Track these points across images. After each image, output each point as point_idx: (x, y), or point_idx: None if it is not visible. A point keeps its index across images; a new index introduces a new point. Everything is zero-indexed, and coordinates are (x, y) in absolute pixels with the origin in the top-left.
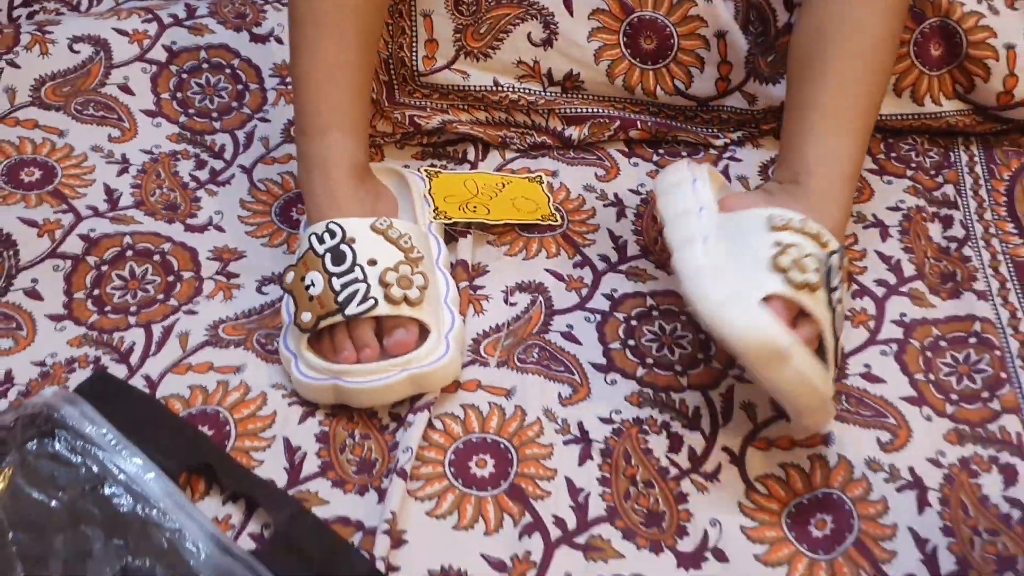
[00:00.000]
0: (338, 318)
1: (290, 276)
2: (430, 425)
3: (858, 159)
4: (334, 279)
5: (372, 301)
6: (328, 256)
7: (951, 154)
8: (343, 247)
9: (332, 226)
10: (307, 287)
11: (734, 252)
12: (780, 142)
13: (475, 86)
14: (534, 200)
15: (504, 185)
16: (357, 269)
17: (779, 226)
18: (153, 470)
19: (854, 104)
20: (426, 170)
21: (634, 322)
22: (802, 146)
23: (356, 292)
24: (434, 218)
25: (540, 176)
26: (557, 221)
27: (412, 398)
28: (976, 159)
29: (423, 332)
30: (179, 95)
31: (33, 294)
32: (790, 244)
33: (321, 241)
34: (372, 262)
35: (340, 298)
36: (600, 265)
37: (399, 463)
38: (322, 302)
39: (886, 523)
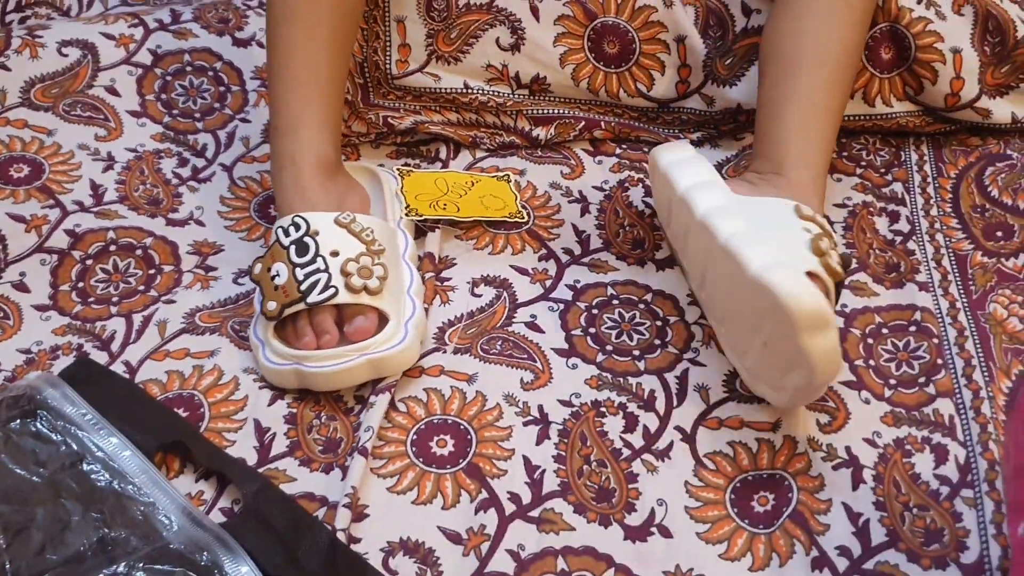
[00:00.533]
0: (300, 306)
1: (258, 267)
2: (394, 407)
3: (830, 153)
4: (298, 269)
5: (333, 289)
6: (293, 248)
7: (902, 153)
8: (307, 239)
9: (297, 219)
10: (273, 277)
11: (768, 229)
12: (756, 135)
13: (446, 88)
14: (502, 198)
15: (473, 184)
16: (320, 260)
17: (806, 215)
18: (129, 448)
19: (829, 101)
20: (399, 169)
21: (595, 311)
22: (783, 140)
23: (318, 281)
24: (406, 215)
25: (508, 175)
26: (524, 219)
27: (374, 381)
28: (926, 158)
29: (383, 320)
30: (163, 96)
31: (20, 286)
32: (820, 234)
33: (287, 234)
34: (335, 253)
35: (303, 287)
36: (564, 258)
37: (361, 441)
38: (286, 291)
39: (822, 498)
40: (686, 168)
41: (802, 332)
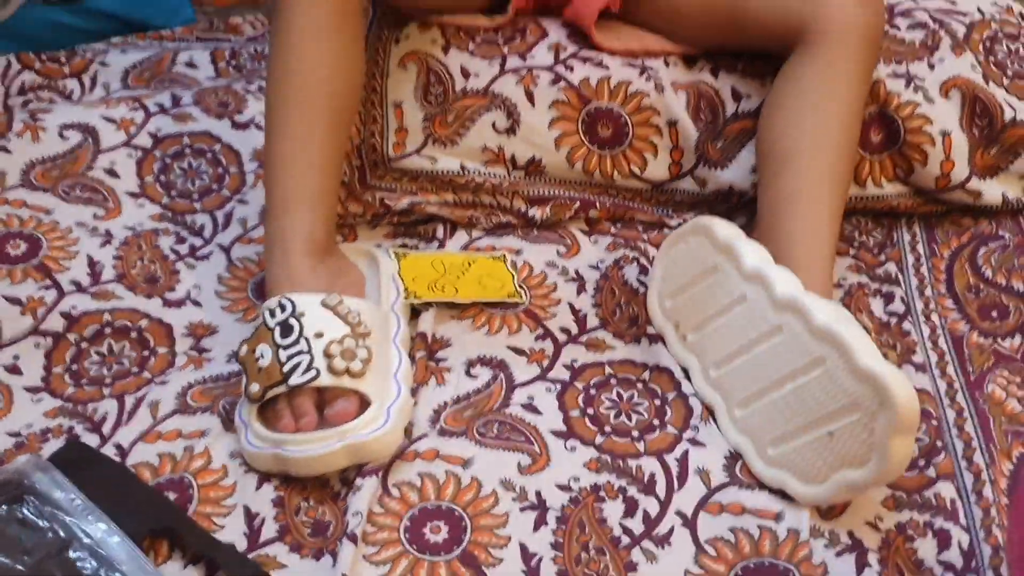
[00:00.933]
0: (282, 388)
1: (243, 349)
2: (387, 492)
3: (835, 244)
4: (281, 351)
5: (314, 371)
6: (278, 329)
7: (894, 233)
8: (292, 320)
9: (284, 300)
10: (257, 359)
11: (847, 319)
12: (760, 233)
13: (443, 170)
14: (499, 279)
15: (470, 264)
16: (303, 341)
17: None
18: (118, 534)
19: (829, 194)
20: (395, 251)
21: (593, 391)
22: (790, 242)
23: (300, 363)
24: (405, 298)
25: (503, 255)
26: (522, 299)
27: (359, 464)
28: (918, 238)
29: (365, 404)
30: (162, 178)
31: (13, 369)
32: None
33: (273, 315)
34: (319, 335)
35: (285, 369)
36: (561, 337)
37: (350, 527)
38: (269, 373)
39: None
40: (751, 245)
41: (899, 432)
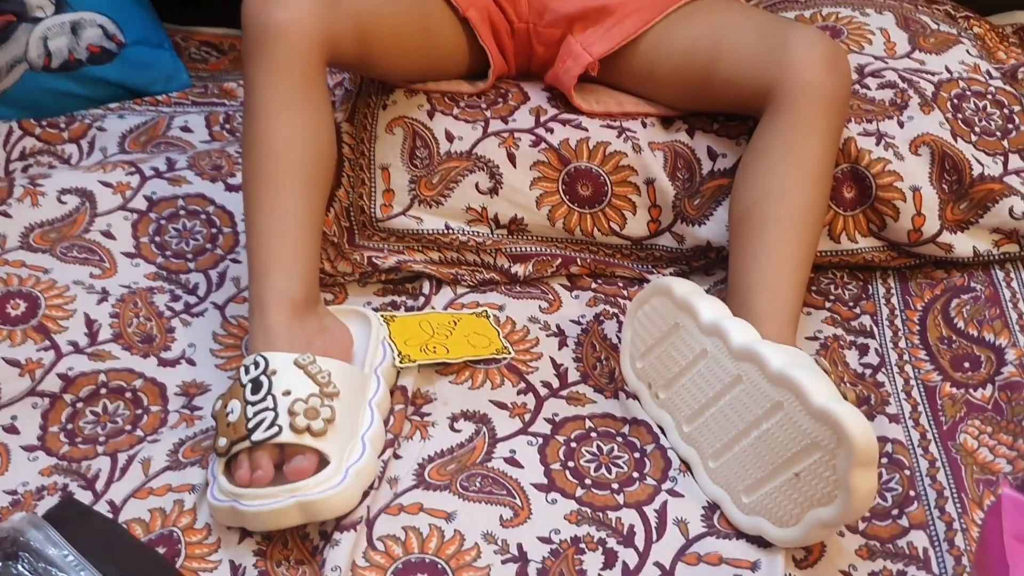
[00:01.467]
0: (245, 443)
1: (218, 404)
2: (372, 545)
3: (799, 303)
4: (249, 407)
5: (277, 428)
6: (249, 386)
7: (869, 286)
8: (263, 378)
9: (258, 358)
10: (227, 414)
11: (806, 363)
12: (729, 294)
13: (428, 230)
14: (486, 335)
15: (455, 323)
16: (270, 399)
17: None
18: None
19: (795, 255)
20: (383, 315)
21: (574, 444)
22: (751, 298)
23: (264, 419)
24: (400, 363)
25: (486, 311)
26: (510, 354)
27: (339, 516)
28: (893, 291)
29: (327, 463)
30: (157, 239)
31: (10, 429)
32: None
33: (247, 372)
34: (286, 393)
35: (250, 425)
36: (543, 391)
37: None
38: (236, 428)
39: None
40: (707, 300)
41: (859, 466)
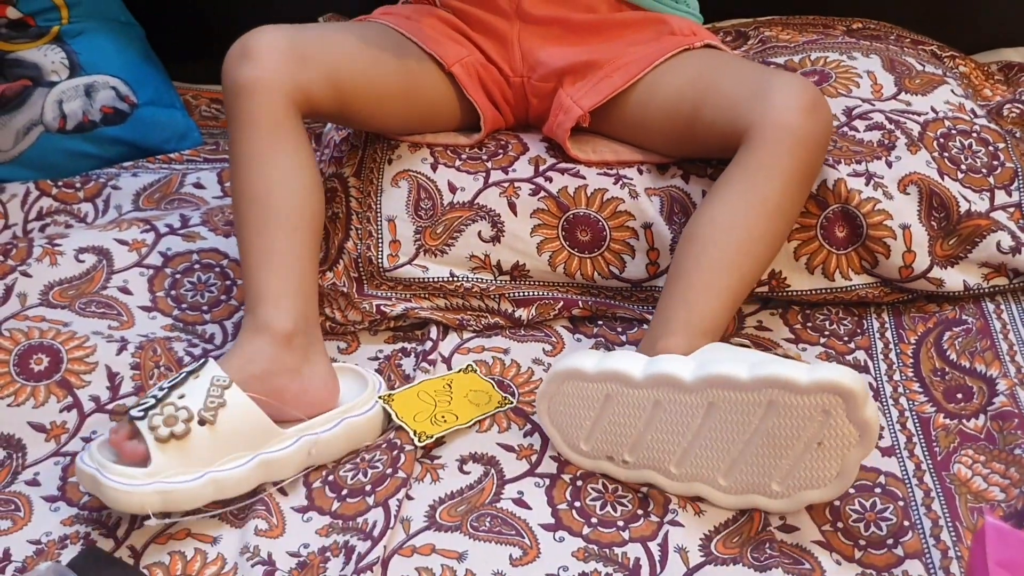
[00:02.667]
0: (126, 415)
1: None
2: None
3: (715, 324)
4: (158, 389)
5: (143, 414)
6: (177, 375)
7: (864, 321)
8: (188, 375)
9: (205, 360)
10: (154, 388)
11: (749, 355)
12: (656, 312)
13: (434, 278)
14: (483, 391)
15: (449, 385)
16: (169, 392)
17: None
18: None
19: (725, 281)
20: (382, 397)
21: (579, 483)
22: (668, 315)
23: (147, 403)
24: (419, 442)
25: (470, 366)
26: (511, 402)
27: (356, 558)
28: (887, 325)
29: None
30: (173, 292)
31: (33, 483)
32: None
33: (191, 365)
34: (181, 396)
35: (141, 401)
36: None
37: None
38: (139, 400)
39: None
40: (623, 357)
41: (865, 405)
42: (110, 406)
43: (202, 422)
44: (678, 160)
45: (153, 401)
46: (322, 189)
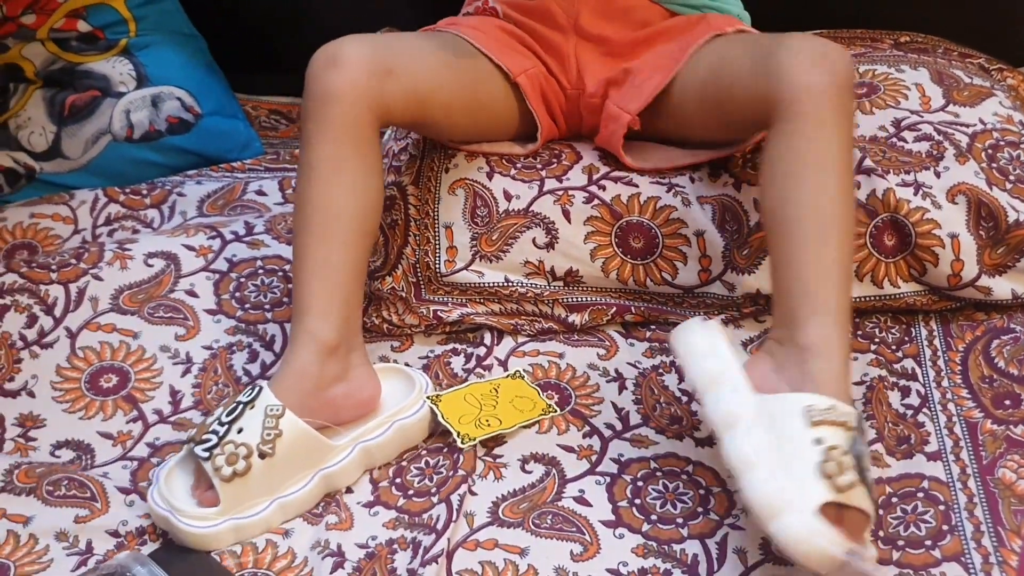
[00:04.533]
0: (188, 447)
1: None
2: None
3: (847, 300)
4: (217, 423)
5: (207, 454)
6: (234, 406)
7: (912, 329)
8: (244, 406)
9: (257, 386)
10: (213, 416)
11: (778, 447)
12: (773, 299)
13: (489, 283)
14: (529, 397)
15: (496, 390)
16: (229, 427)
17: (817, 421)
18: None
19: (834, 254)
20: (429, 397)
21: (640, 483)
22: (791, 296)
23: (210, 441)
24: (462, 443)
25: (518, 372)
26: (555, 410)
27: (423, 551)
28: (935, 333)
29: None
30: (237, 295)
31: (105, 476)
32: (831, 447)
33: (246, 393)
34: (240, 430)
35: (202, 436)
36: (607, 432)
37: None
38: (198, 432)
39: None
40: (702, 361)
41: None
42: (173, 418)
43: (262, 456)
44: (732, 147)
45: (215, 440)
46: (383, 200)
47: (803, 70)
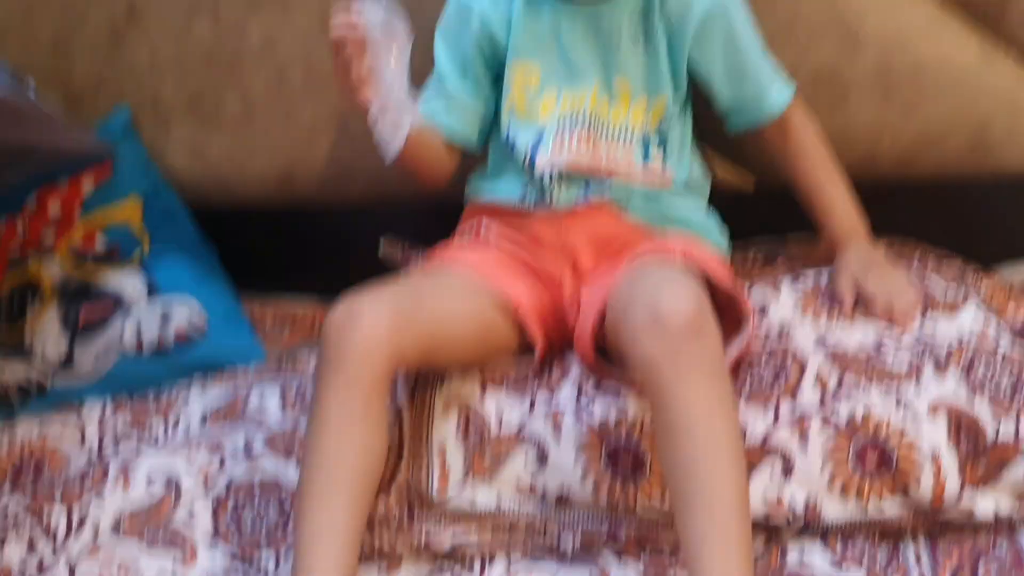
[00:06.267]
0: None
1: None
2: None
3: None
4: None
5: None
6: None
7: (899, 549)
8: None
9: None
10: None
11: None
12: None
13: (481, 511)
14: None
15: None
16: None
17: None
18: None
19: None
20: None
21: None
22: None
23: None
24: None
25: None
26: None
27: None
28: (921, 556)
29: None
30: (233, 525)
31: None
32: None
33: None
34: None
35: None
36: None
37: None
38: None
39: None
40: None
41: None
42: None
43: None
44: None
45: None
46: (386, 452)
47: (638, 342)
